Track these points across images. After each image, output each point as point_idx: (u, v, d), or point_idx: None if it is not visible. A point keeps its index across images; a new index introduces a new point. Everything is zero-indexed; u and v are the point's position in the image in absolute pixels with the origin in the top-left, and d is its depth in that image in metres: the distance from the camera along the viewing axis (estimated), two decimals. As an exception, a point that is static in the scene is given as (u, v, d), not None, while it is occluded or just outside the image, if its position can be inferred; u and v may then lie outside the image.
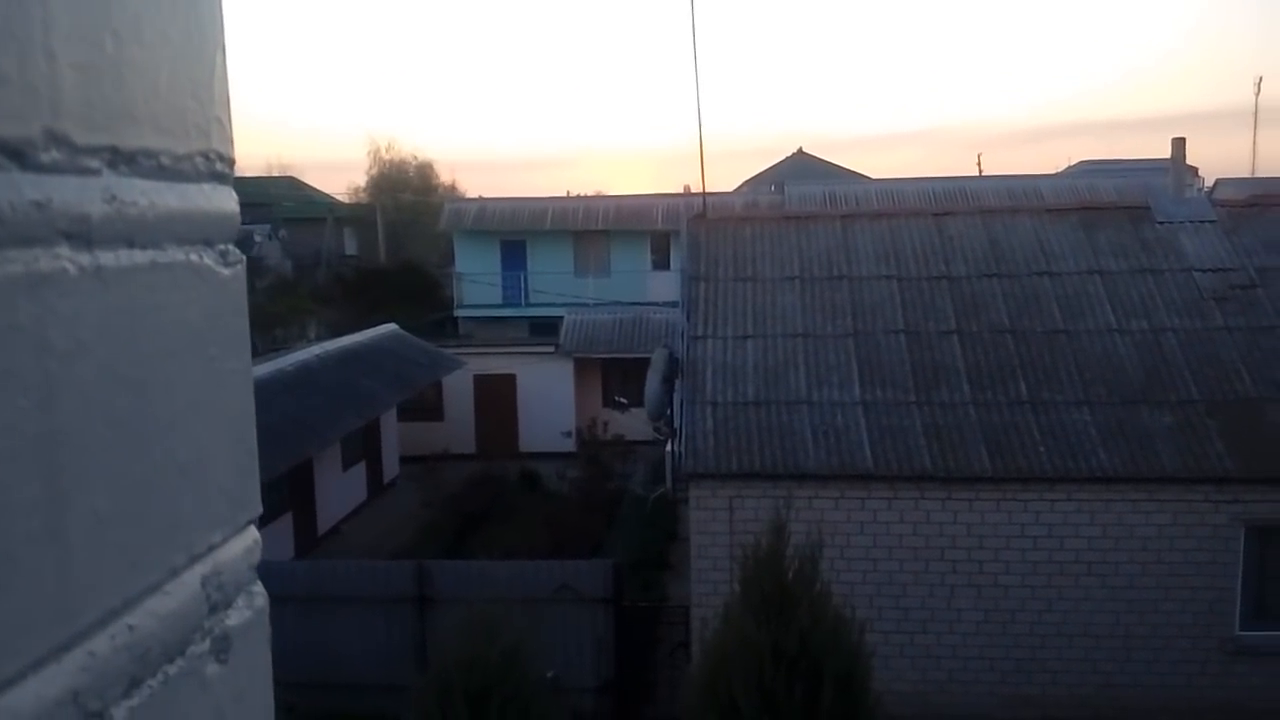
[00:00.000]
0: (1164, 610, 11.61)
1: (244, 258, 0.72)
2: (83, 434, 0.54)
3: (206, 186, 0.67)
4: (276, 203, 49.83)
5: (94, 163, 0.56)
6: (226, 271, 0.69)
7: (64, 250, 0.53)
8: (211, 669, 0.66)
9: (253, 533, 0.74)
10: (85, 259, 0.54)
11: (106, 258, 0.56)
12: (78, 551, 0.54)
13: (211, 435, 0.68)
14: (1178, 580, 11.57)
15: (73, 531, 0.54)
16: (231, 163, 0.70)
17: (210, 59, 0.68)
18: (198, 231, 0.66)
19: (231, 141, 0.70)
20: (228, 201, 0.70)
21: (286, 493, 18.02)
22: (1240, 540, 11.51)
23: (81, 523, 0.54)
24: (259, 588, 0.74)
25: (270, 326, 31.37)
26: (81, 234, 0.54)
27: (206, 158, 0.67)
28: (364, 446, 22.17)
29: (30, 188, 0.50)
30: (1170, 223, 14.50)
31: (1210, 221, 14.52)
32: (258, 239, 42.68)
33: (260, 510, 0.74)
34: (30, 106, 0.50)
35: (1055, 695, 11.75)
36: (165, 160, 0.62)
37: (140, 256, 0.60)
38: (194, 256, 0.65)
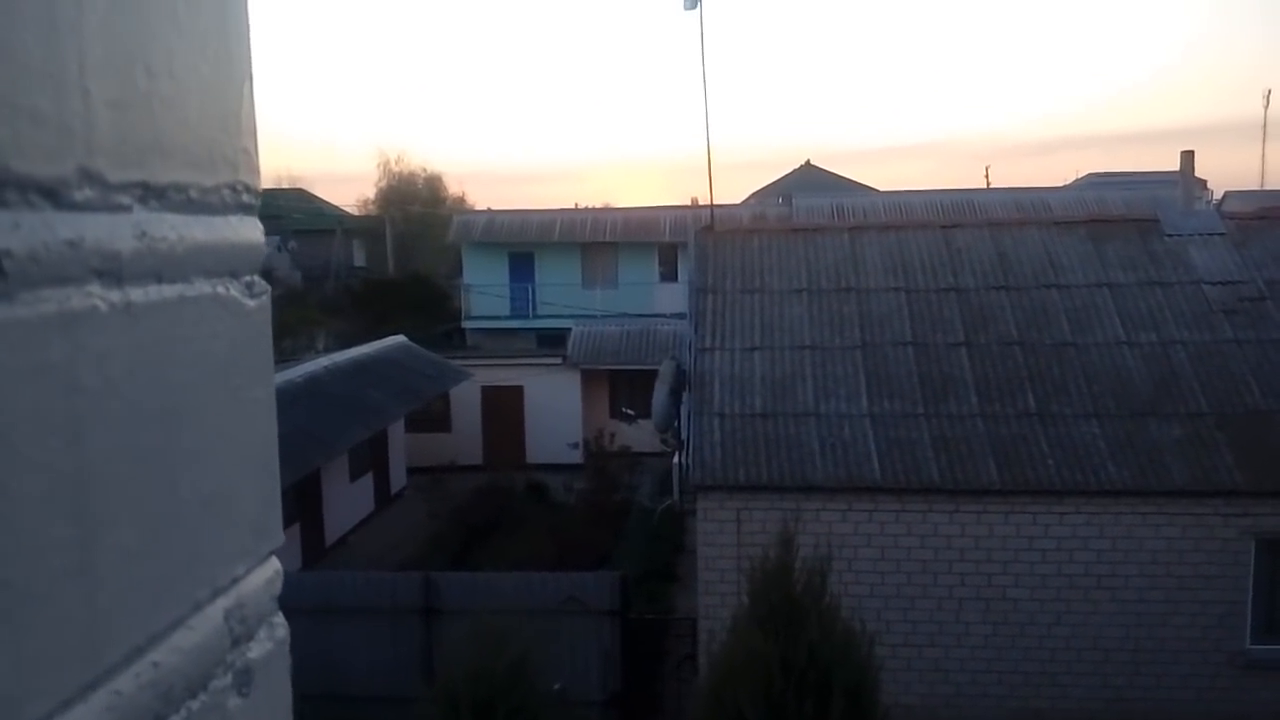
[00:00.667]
0: (1173, 624, 11.54)
1: (269, 288, 0.72)
2: (111, 471, 0.54)
3: (233, 218, 0.67)
4: (286, 215, 50.01)
5: (125, 199, 0.56)
6: (252, 303, 0.69)
7: (95, 288, 0.53)
8: (234, 703, 0.66)
9: (274, 563, 0.73)
10: (116, 296, 0.54)
11: (136, 294, 0.56)
12: (105, 589, 0.54)
13: (236, 467, 0.67)
14: (1187, 594, 11.50)
15: (101, 569, 0.53)
16: (258, 193, 0.70)
17: (238, 90, 0.68)
18: (224, 264, 0.66)
19: (258, 172, 0.70)
20: (253, 232, 0.70)
21: (294, 504, 18.03)
22: (1250, 554, 11.44)
23: (109, 560, 0.54)
24: (280, 618, 0.73)
25: (279, 338, 31.43)
26: (113, 271, 0.54)
27: (234, 189, 0.67)
28: (371, 457, 22.19)
29: (63, 226, 0.50)
30: (1179, 235, 14.47)
31: (1219, 234, 14.48)
32: (267, 250, 42.84)
33: (283, 540, 0.74)
34: (65, 145, 0.50)
35: (1064, 709, 11.68)
36: (194, 193, 0.62)
37: (169, 291, 0.59)
38: (220, 289, 0.65)
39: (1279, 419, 11.97)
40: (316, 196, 59.10)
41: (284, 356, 27.71)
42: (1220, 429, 11.91)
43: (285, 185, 58.52)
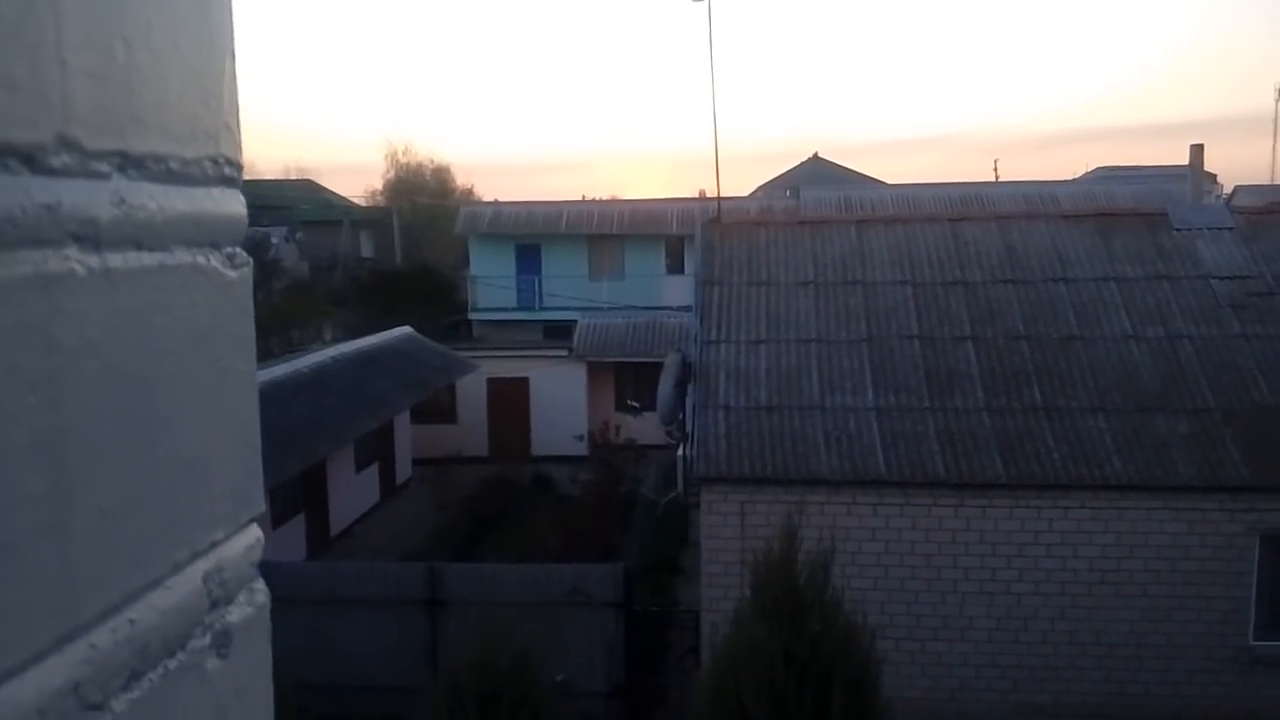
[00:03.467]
0: (1178, 619, 11.53)
1: (250, 260, 0.73)
2: (88, 430, 0.56)
3: (215, 190, 0.69)
4: (294, 205, 50.11)
5: (104, 167, 0.57)
6: (233, 274, 0.71)
7: (73, 252, 0.54)
8: (212, 663, 0.68)
9: (255, 530, 0.75)
10: (94, 260, 0.56)
11: (114, 259, 0.58)
12: (81, 545, 0.55)
13: (215, 434, 0.69)
14: (1192, 589, 11.49)
15: (76, 526, 0.55)
16: (240, 167, 0.72)
17: (220, 65, 0.69)
18: (205, 234, 0.67)
19: (240, 146, 0.72)
20: (235, 205, 0.71)
21: (300, 494, 18.10)
22: (1255, 549, 11.42)
23: (85, 517, 0.56)
24: (260, 584, 0.75)
25: (286, 328, 31.53)
26: (90, 236, 0.56)
27: (215, 162, 0.69)
28: (377, 448, 22.25)
29: (41, 191, 0.52)
30: (1187, 229, 14.42)
31: (1228, 228, 14.43)
32: (275, 241, 42.92)
33: (263, 508, 0.75)
34: (42, 113, 0.52)
35: (1068, 703, 11.69)
36: (174, 165, 0.64)
37: (148, 258, 0.61)
38: (201, 259, 0.67)
39: (1286, 415, 11.93)
40: (324, 187, 59.20)
41: (291, 346, 27.79)
42: (1227, 424, 11.88)
43: (293, 176, 58.66)
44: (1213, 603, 11.48)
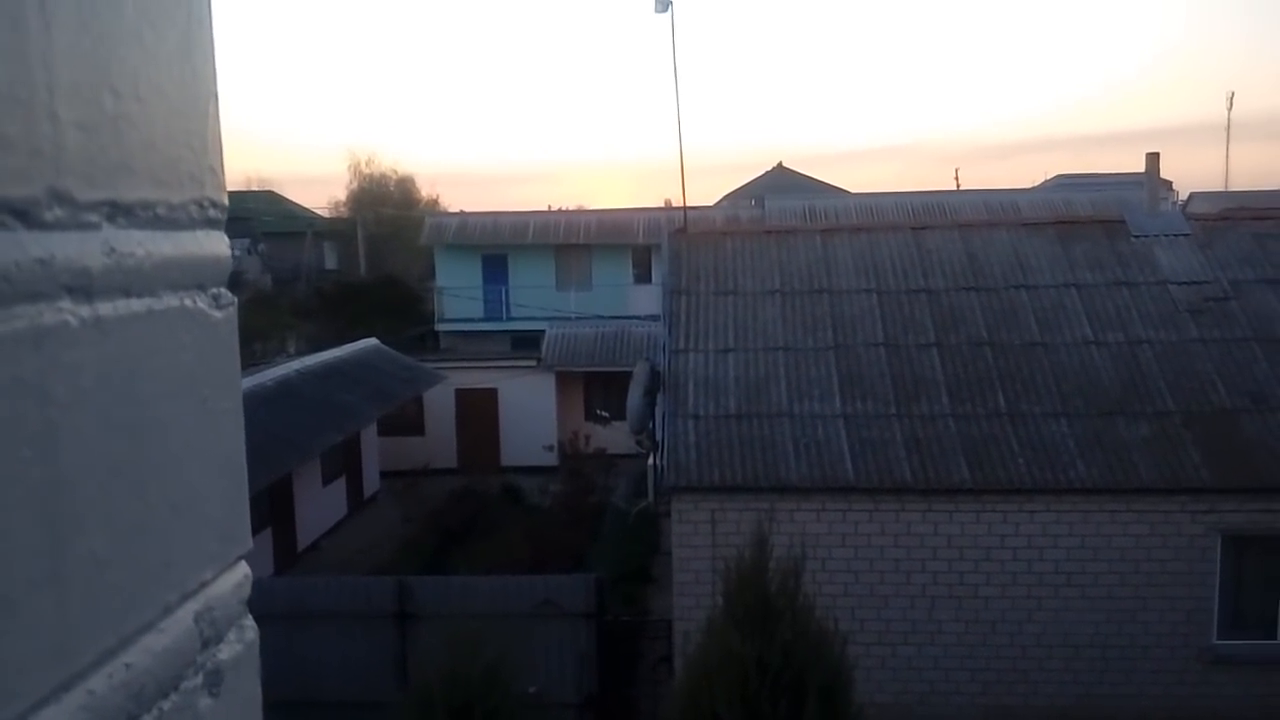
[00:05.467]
0: (1142, 620, 11.69)
1: (235, 300, 0.74)
2: (82, 479, 0.56)
3: (200, 233, 0.69)
4: (256, 217, 49.66)
5: (94, 217, 0.57)
6: (219, 314, 0.71)
7: (66, 304, 0.55)
8: (204, 703, 0.68)
9: (243, 568, 0.75)
10: (86, 311, 0.56)
11: (105, 308, 0.58)
12: (77, 594, 0.56)
13: (204, 474, 0.69)
14: (1155, 590, 11.66)
15: (72, 575, 0.55)
16: (224, 208, 0.72)
17: (204, 108, 0.70)
18: (191, 277, 0.68)
19: (224, 188, 0.72)
20: (220, 246, 0.72)
21: (266, 508, 17.91)
22: (1217, 550, 11.61)
23: (80, 566, 0.56)
24: (249, 621, 0.75)
25: (249, 341, 31.21)
26: (83, 287, 0.56)
27: (200, 205, 0.69)
28: (344, 462, 22.06)
29: (34, 245, 0.52)
30: (1145, 236, 14.66)
31: (1184, 235, 14.69)
32: (236, 253, 42.54)
33: (251, 546, 0.76)
34: (35, 167, 0.52)
35: (1036, 705, 11.81)
36: (161, 210, 0.64)
37: (137, 305, 0.61)
38: (188, 301, 0.67)
39: (1244, 417, 12.16)
40: (286, 198, 58.70)
41: (255, 360, 27.51)
42: (1187, 427, 12.08)
43: (255, 187, 58.10)
44: (1176, 603, 11.65)
